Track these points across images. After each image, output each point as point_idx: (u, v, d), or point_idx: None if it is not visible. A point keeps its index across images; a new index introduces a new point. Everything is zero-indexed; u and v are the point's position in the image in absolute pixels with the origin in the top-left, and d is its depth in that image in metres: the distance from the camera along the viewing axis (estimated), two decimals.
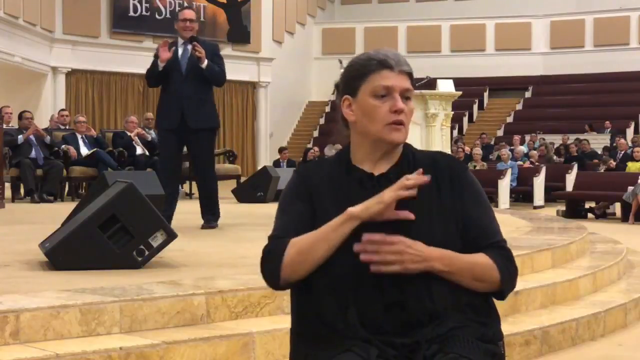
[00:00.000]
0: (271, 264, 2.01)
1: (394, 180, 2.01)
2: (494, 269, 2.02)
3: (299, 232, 2.01)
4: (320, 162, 2.15)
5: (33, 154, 11.40)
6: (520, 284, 4.14)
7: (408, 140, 2.13)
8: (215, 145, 7.38)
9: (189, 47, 6.81)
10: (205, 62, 6.77)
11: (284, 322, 3.56)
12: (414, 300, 1.97)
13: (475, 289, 2.02)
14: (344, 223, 1.96)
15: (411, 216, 1.96)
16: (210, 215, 6.98)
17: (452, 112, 11.40)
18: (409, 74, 2.06)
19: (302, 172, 2.13)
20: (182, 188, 13.55)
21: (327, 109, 28.50)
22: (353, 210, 1.96)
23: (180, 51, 6.89)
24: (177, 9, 24.04)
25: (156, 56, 6.87)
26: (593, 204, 14.54)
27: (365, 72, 2.05)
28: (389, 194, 1.95)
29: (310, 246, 1.98)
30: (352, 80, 2.07)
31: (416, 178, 1.97)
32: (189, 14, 7.07)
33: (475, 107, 27.45)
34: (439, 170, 2.06)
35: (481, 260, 2.02)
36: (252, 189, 11.32)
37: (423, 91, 10.61)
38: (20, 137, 11.39)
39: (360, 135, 2.08)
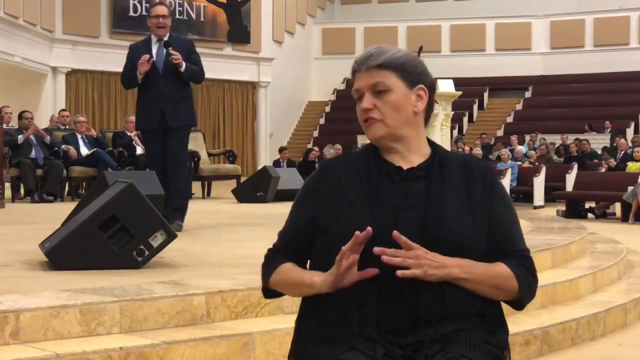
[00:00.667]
0: (263, 278, 2.16)
1: (422, 175, 2.03)
2: (513, 279, 2.02)
3: (296, 247, 2.11)
4: (347, 156, 2.16)
5: (33, 154, 11.40)
6: None
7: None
8: (188, 143, 7.17)
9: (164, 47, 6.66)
10: (184, 65, 6.62)
11: (284, 322, 3.56)
12: (427, 299, 1.97)
13: (493, 298, 2.03)
14: (309, 287, 2.04)
15: (374, 271, 1.95)
16: (179, 217, 6.72)
17: (452, 112, 11.40)
18: (380, 66, 2.03)
19: (326, 166, 2.13)
20: None
21: (327, 109, 28.51)
22: (317, 281, 2.02)
23: (154, 49, 6.72)
24: (178, 8, 24.07)
25: (129, 57, 6.74)
26: (593, 204, 14.54)
27: (352, 79, 2.11)
28: (331, 277, 1.99)
29: (288, 284, 2.11)
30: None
31: None
32: (162, 9, 6.84)
33: (475, 107, 27.45)
34: (469, 172, 2.07)
35: (500, 269, 2.02)
36: (252, 189, 11.31)
37: None
38: (20, 137, 11.39)
39: None
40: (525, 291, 2.05)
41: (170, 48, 6.64)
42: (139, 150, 12.42)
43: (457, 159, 2.10)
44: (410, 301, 1.97)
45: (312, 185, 2.12)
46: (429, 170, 2.05)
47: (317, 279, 2.01)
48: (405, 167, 2.06)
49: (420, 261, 1.93)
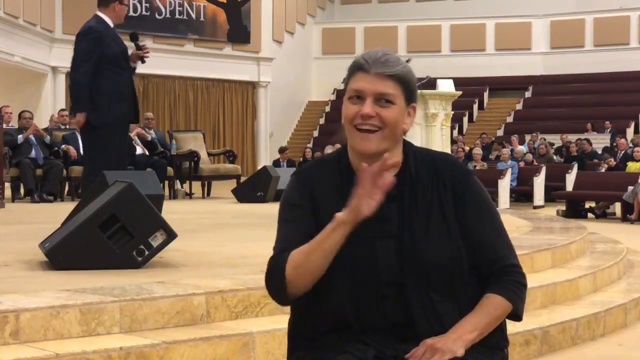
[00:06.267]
0: (275, 282, 1.96)
1: (394, 195, 1.93)
2: (507, 305, 1.98)
3: (301, 242, 1.94)
4: (319, 165, 2.06)
5: (33, 153, 11.40)
6: None
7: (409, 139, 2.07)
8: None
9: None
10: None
11: (284, 322, 3.54)
12: (423, 323, 1.94)
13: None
14: (335, 230, 1.88)
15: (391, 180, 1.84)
16: None
17: (452, 112, 11.42)
18: (392, 76, 1.93)
19: (301, 176, 2.04)
20: (182, 187, 13.59)
21: (327, 108, 28.51)
22: (340, 216, 1.87)
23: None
24: (178, 8, 24.05)
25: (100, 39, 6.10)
26: (593, 204, 14.54)
27: (349, 74, 1.99)
28: (357, 200, 1.85)
29: (306, 258, 1.91)
30: (344, 83, 2.03)
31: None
32: None
33: (475, 107, 27.44)
34: (441, 181, 1.99)
35: (496, 304, 1.97)
36: (252, 189, 11.32)
37: (423, 91, 10.62)
38: (20, 137, 11.39)
39: None
40: (520, 308, 2.01)
41: (144, 45, 6.27)
42: (139, 150, 12.43)
43: (428, 167, 2.00)
44: (402, 321, 1.95)
45: (295, 192, 2.03)
46: (400, 190, 1.96)
47: (340, 214, 1.86)
48: None
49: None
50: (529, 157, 18.79)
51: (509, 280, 2.00)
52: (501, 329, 2.05)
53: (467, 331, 1.91)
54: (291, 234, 1.99)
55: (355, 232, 1.91)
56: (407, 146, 2.03)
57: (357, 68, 1.96)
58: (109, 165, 5.90)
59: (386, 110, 1.93)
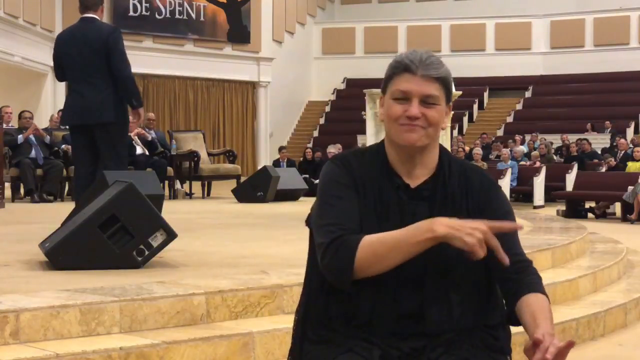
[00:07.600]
0: (342, 262, 1.93)
1: (427, 196, 2.00)
2: (547, 300, 1.98)
3: (357, 222, 1.96)
4: (358, 155, 2.09)
5: (33, 153, 11.40)
6: None
7: None
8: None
9: None
10: None
11: (284, 322, 3.56)
12: (435, 318, 1.97)
13: None
14: (428, 240, 1.88)
15: (506, 261, 1.85)
16: None
17: (452, 112, 11.43)
18: (438, 79, 2.00)
19: (343, 161, 2.06)
20: (182, 187, 13.59)
21: (327, 108, 28.51)
22: (440, 231, 1.86)
23: None
24: (178, 8, 24.06)
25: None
26: (593, 204, 14.54)
27: (392, 73, 2.04)
28: (474, 238, 1.84)
29: (388, 251, 1.91)
30: (385, 80, 2.06)
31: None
32: None
33: (475, 107, 27.44)
34: (469, 188, 2.05)
35: (547, 306, 1.95)
36: (252, 189, 11.31)
37: None
38: (20, 137, 11.39)
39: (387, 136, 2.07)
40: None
41: None
42: (139, 150, 12.42)
43: (460, 172, 2.07)
44: (414, 313, 1.97)
45: (339, 175, 2.04)
46: (433, 191, 2.03)
47: (440, 229, 1.85)
48: (410, 181, 2.03)
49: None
50: (535, 153, 18.76)
51: (535, 273, 2.01)
52: (509, 334, 2.07)
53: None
54: (347, 211, 1.99)
55: (385, 225, 1.96)
56: (442, 149, 2.10)
57: (403, 69, 2.01)
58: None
59: (431, 111, 2.00)
